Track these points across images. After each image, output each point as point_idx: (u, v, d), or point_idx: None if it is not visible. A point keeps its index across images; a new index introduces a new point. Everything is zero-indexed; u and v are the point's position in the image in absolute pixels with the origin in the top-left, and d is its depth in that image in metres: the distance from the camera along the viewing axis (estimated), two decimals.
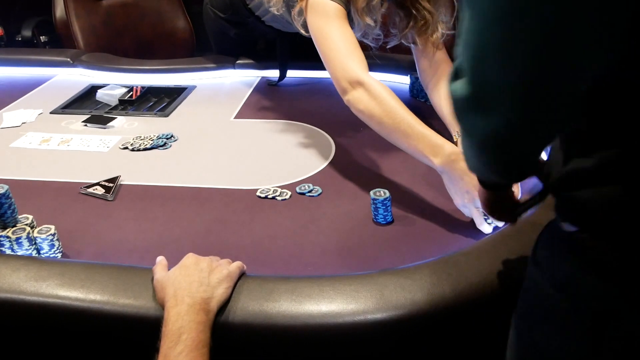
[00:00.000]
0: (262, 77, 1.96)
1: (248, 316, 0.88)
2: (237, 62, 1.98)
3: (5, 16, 3.32)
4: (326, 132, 1.57)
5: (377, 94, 1.25)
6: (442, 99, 1.47)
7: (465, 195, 1.14)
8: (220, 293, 0.89)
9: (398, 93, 1.76)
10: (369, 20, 1.36)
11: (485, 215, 1.14)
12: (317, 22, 1.35)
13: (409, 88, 1.77)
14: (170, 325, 0.80)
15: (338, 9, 1.34)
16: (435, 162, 1.16)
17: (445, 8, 1.46)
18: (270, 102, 1.77)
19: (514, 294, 0.96)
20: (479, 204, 1.06)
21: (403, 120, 1.21)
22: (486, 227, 1.14)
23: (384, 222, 1.18)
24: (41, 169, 1.45)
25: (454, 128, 1.38)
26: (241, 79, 1.96)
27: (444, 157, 1.14)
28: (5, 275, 0.97)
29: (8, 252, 1.10)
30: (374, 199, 1.17)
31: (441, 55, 1.53)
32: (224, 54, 2.06)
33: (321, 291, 0.92)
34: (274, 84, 1.91)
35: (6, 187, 1.09)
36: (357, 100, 1.27)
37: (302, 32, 1.43)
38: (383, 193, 1.17)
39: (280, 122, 1.63)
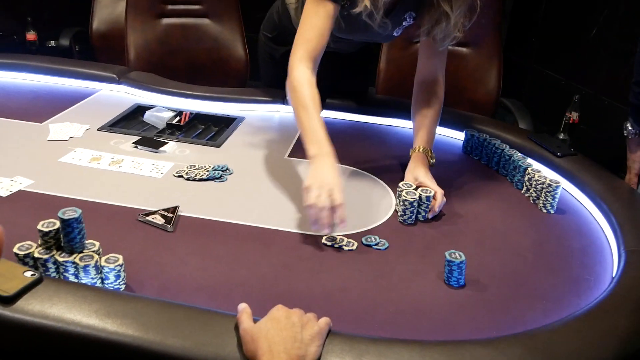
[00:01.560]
0: None
1: None
2: (288, 97, 1.95)
3: (38, 23, 3.32)
4: (382, 180, 1.54)
5: (296, 86, 1.41)
6: (419, 117, 1.58)
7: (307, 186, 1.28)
8: (312, 352, 0.85)
9: (451, 147, 1.78)
10: (367, 2, 1.40)
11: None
12: (308, 5, 1.46)
13: (463, 144, 1.76)
14: None
15: None
16: (308, 152, 1.34)
17: (465, 10, 1.46)
18: None
19: None
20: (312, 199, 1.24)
21: (305, 115, 1.38)
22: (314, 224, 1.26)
23: (457, 286, 1.15)
24: (94, 189, 1.41)
25: (418, 144, 1.53)
26: (291, 115, 1.93)
27: (314, 152, 1.33)
28: (74, 306, 0.93)
29: (72, 278, 1.05)
30: (449, 261, 1.14)
31: (440, 71, 1.61)
32: (271, 80, 2.06)
33: (411, 357, 0.88)
34: None
35: (79, 211, 1.05)
36: (287, 84, 1.46)
37: None
38: (459, 256, 1.14)
39: None
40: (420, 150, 1.51)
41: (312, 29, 1.44)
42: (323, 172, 1.29)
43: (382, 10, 1.42)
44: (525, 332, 0.96)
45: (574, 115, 2.33)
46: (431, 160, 1.52)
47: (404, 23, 1.53)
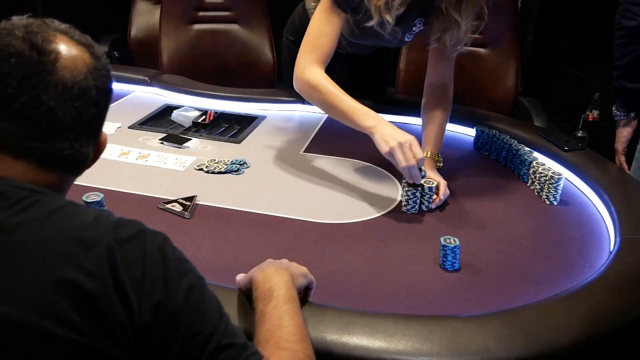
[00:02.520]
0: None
1: (326, 345, 0.92)
2: (308, 98, 2.04)
3: (80, 30, 3.52)
4: (392, 175, 1.61)
5: (316, 83, 1.48)
6: (429, 121, 1.64)
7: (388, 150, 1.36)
8: (299, 281, 0.97)
9: (463, 144, 1.84)
10: (387, 16, 1.46)
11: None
12: (317, 11, 1.55)
13: (474, 140, 1.81)
14: (260, 287, 0.91)
15: (329, 5, 1.50)
16: (365, 125, 1.41)
17: (474, 17, 1.53)
18: (337, 139, 1.83)
19: (581, 353, 0.99)
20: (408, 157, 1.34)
21: (340, 101, 1.45)
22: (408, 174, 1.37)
23: (451, 269, 1.21)
24: (121, 180, 1.52)
25: (426, 149, 1.60)
26: (310, 114, 2.02)
27: (372, 123, 1.40)
28: None
29: None
30: (443, 246, 1.21)
31: (449, 75, 1.67)
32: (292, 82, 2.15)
33: (396, 329, 0.95)
34: None
35: (101, 195, 1.16)
36: (299, 87, 1.54)
37: None
38: (453, 241, 1.21)
39: (348, 161, 1.69)
40: (428, 155, 1.58)
41: (323, 36, 1.51)
42: (393, 134, 1.37)
43: (393, 20, 1.49)
44: (507, 310, 1.02)
45: (594, 114, 2.35)
46: (438, 164, 1.59)
47: (414, 29, 1.60)
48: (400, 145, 1.35)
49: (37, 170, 0.76)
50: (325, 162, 1.68)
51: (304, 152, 1.75)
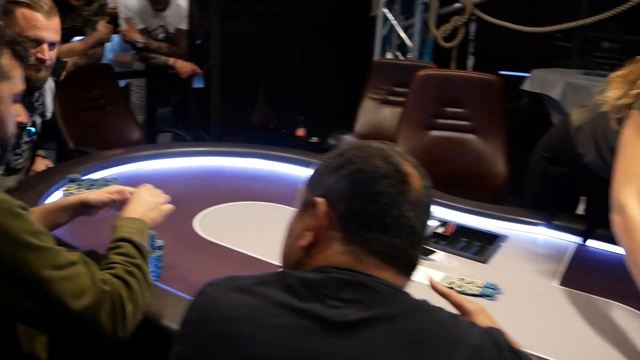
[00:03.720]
0: (581, 245, 1.88)
1: None
2: (554, 221, 1.94)
3: (309, 122, 3.78)
4: None
5: (632, 225, 1.32)
6: None
7: None
8: None
9: None
10: None
11: None
12: (629, 134, 1.44)
13: None
14: None
15: None
16: None
17: None
18: (594, 275, 1.69)
19: None
20: None
21: None
22: None
23: None
24: None
25: None
26: (557, 240, 1.91)
27: None
28: None
29: None
30: None
31: None
32: (538, 200, 2.07)
33: None
34: (582, 243, 1.87)
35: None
36: (615, 222, 1.38)
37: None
38: None
39: (610, 303, 1.53)
40: None
41: (637, 164, 1.39)
42: None
43: None
44: None
45: None
46: None
47: None
48: None
49: (397, 275, 0.89)
50: (583, 300, 1.54)
51: (559, 284, 1.63)
